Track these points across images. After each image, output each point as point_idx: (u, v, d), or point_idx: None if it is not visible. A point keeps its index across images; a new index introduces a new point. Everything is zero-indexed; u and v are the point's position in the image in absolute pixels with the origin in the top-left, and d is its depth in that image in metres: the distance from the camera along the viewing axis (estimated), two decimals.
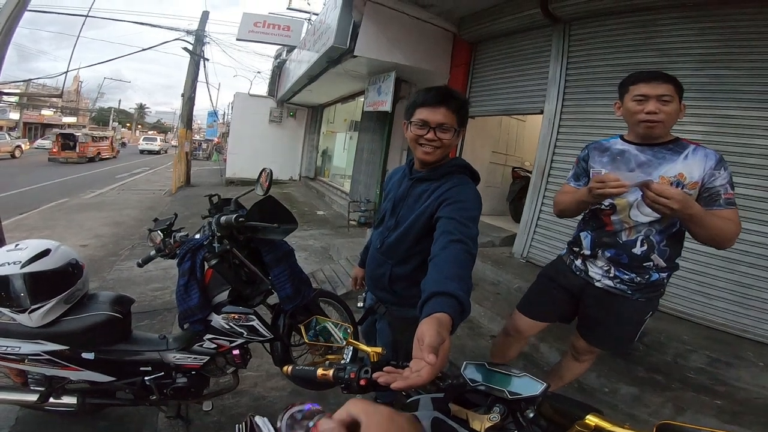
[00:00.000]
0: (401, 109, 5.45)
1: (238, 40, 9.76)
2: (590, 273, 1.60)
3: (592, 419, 0.52)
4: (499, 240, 4.59)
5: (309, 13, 10.26)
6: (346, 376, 0.75)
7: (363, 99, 6.62)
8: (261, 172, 1.83)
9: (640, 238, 1.45)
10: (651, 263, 1.47)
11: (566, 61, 3.75)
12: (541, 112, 3.96)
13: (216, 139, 23.11)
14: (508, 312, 1.98)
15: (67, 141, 16.75)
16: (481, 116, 5.04)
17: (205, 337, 1.67)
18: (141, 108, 62.15)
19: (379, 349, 0.88)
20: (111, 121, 42.35)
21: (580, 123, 3.61)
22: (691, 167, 1.35)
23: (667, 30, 3.05)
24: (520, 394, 0.62)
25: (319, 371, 0.82)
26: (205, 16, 10.94)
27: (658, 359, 2.50)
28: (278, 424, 0.51)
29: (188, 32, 10.64)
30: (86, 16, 7.93)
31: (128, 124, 52.31)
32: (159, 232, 1.80)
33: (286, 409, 0.52)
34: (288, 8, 10.64)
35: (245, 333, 1.68)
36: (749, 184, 2.61)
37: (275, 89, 11.92)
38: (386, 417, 0.38)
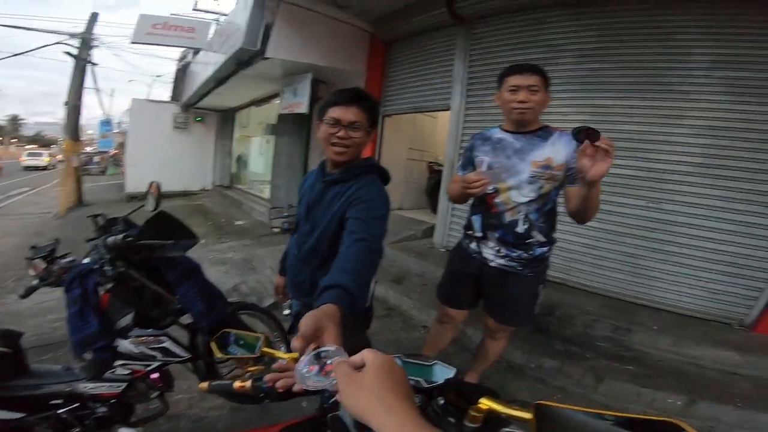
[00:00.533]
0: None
1: (133, 43, 8.77)
2: (484, 254, 1.73)
3: (485, 402, 0.53)
4: (420, 232, 4.70)
5: (217, 14, 9.65)
6: (264, 386, 0.73)
7: (278, 101, 6.37)
8: (149, 186, 1.78)
9: (521, 217, 1.60)
10: (533, 239, 1.63)
11: (469, 58, 3.97)
12: (448, 109, 4.13)
13: (112, 150, 20.55)
14: (436, 302, 2.03)
15: None
16: (396, 114, 5.14)
17: (115, 364, 1.59)
18: (14, 119, 53.37)
19: (295, 355, 0.82)
20: None
21: (483, 118, 3.82)
22: (557, 151, 1.51)
23: (553, 27, 3.37)
24: (435, 382, 0.62)
25: (236, 383, 0.80)
26: (93, 17, 9.74)
27: (571, 331, 2.71)
28: (302, 357, 0.54)
29: (72, 35, 9.45)
30: None
31: None
32: (40, 259, 1.65)
33: (317, 346, 0.55)
34: (194, 9, 9.94)
35: (159, 356, 1.64)
36: (623, 165, 2.95)
37: (179, 93, 11.00)
38: (387, 362, 0.49)
